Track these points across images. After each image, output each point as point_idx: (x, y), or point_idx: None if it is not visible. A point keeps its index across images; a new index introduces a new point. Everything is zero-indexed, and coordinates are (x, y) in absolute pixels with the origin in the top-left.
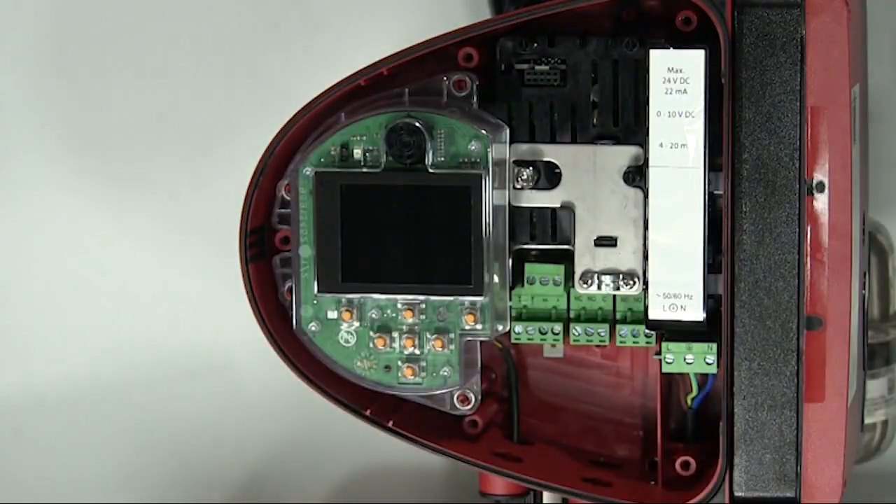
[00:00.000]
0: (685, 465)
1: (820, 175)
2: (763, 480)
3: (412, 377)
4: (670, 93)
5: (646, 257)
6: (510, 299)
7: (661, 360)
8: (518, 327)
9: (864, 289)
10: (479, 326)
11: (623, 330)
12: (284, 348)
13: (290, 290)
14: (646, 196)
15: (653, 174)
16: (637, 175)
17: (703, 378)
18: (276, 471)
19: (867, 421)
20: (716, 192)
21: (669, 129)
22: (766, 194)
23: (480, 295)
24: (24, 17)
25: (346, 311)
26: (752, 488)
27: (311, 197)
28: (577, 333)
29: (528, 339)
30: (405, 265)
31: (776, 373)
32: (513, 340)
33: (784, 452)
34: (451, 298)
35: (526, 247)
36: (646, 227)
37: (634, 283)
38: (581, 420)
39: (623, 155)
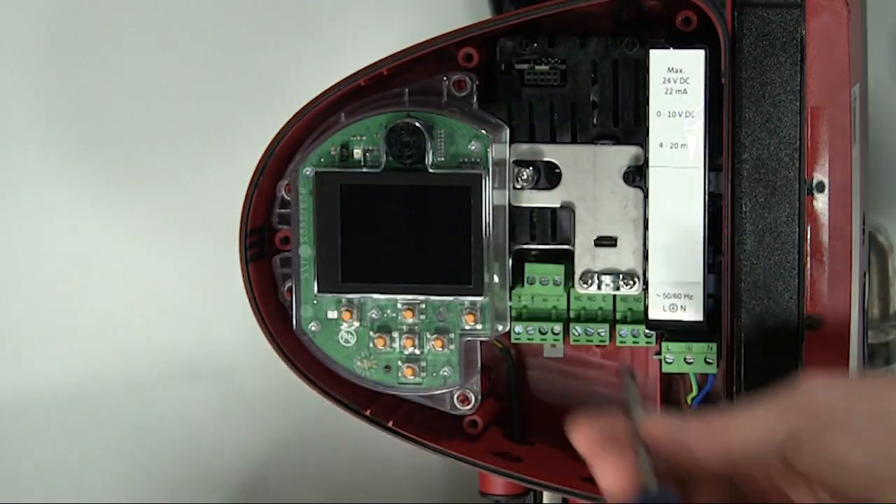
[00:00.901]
0: None
1: (820, 175)
2: None
3: (412, 377)
4: (670, 93)
5: (646, 257)
6: (510, 299)
7: (661, 360)
8: (518, 327)
9: (864, 289)
10: (479, 326)
11: (623, 330)
12: (284, 348)
13: (290, 290)
14: (646, 196)
15: (653, 174)
16: (637, 175)
17: (703, 378)
18: (276, 471)
19: None
20: (716, 192)
21: (669, 129)
22: (766, 194)
23: (480, 295)
24: (25, 17)
25: (346, 311)
26: None
27: (311, 197)
28: (577, 333)
29: (528, 339)
30: (405, 265)
31: (776, 373)
32: (513, 340)
33: None
34: (451, 298)
35: (526, 247)
36: (646, 227)
37: (634, 283)
38: None
39: (623, 155)
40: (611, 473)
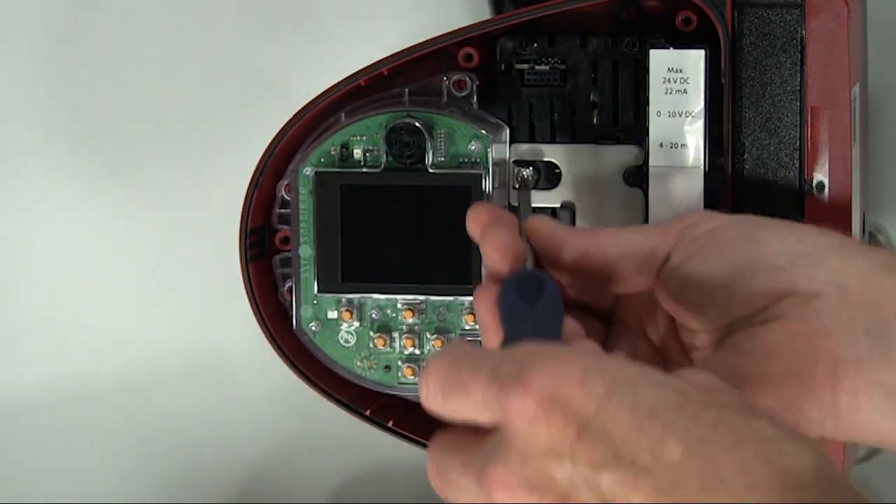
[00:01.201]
0: None
1: (820, 175)
2: None
3: (412, 377)
4: (670, 93)
5: None
6: None
7: None
8: None
9: None
10: (479, 326)
11: None
12: (284, 348)
13: (290, 290)
14: (646, 196)
15: (653, 174)
16: (637, 175)
17: None
18: (276, 471)
19: None
20: (716, 192)
21: (669, 129)
22: (766, 194)
23: None
24: (24, 17)
25: (346, 311)
26: None
27: (311, 197)
28: None
29: None
30: (405, 265)
31: None
32: None
33: None
34: (451, 298)
35: None
36: None
37: None
38: None
39: (623, 155)
40: (493, 249)
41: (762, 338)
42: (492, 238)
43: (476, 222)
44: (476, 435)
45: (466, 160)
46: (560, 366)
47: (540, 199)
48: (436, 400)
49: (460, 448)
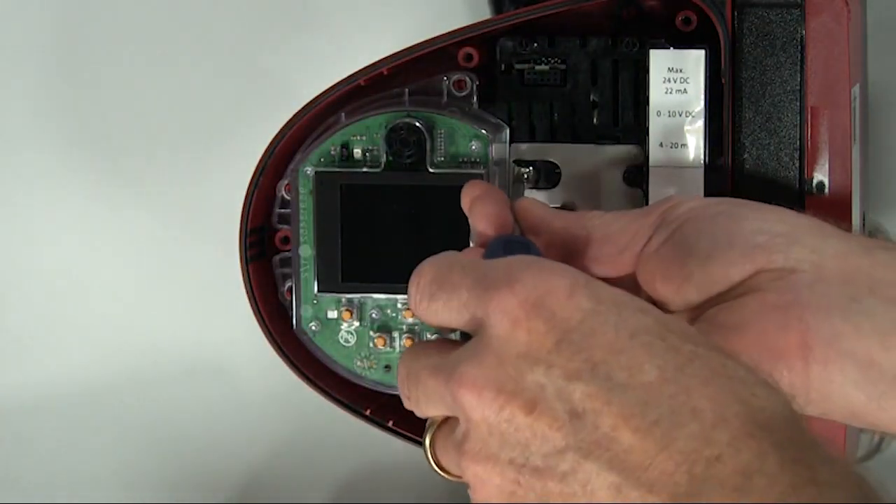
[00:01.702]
0: None
1: (820, 175)
2: None
3: None
4: (670, 93)
5: None
6: None
7: None
8: None
9: None
10: None
11: None
12: (284, 348)
13: (290, 290)
14: (646, 196)
15: (653, 174)
16: (637, 175)
17: None
18: (276, 471)
19: None
20: (716, 192)
21: (669, 128)
22: (766, 194)
23: None
24: (25, 17)
25: (346, 310)
26: None
27: (311, 197)
28: None
29: None
30: (405, 265)
31: None
32: None
33: None
34: None
35: None
36: None
37: None
38: None
39: (623, 155)
40: (480, 217)
41: (737, 310)
42: (480, 208)
43: (468, 195)
44: (453, 345)
45: (466, 160)
46: (549, 276)
47: (540, 199)
48: (422, 301)
49: (435, 353)
